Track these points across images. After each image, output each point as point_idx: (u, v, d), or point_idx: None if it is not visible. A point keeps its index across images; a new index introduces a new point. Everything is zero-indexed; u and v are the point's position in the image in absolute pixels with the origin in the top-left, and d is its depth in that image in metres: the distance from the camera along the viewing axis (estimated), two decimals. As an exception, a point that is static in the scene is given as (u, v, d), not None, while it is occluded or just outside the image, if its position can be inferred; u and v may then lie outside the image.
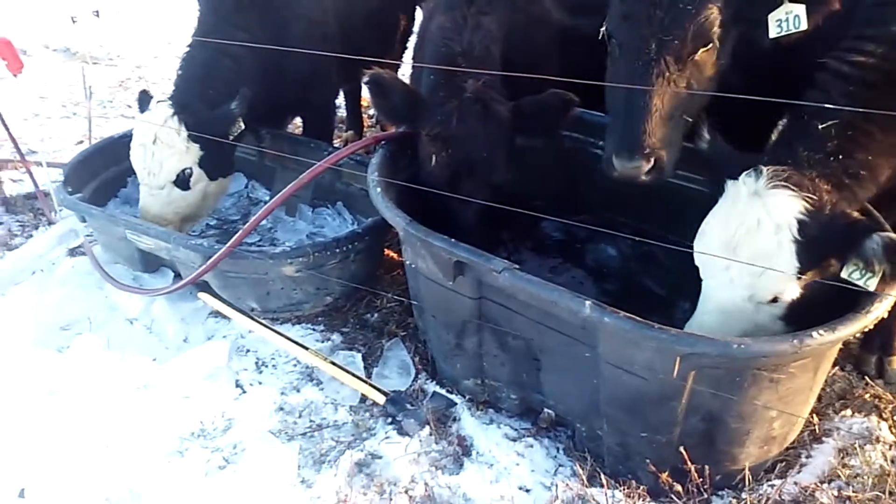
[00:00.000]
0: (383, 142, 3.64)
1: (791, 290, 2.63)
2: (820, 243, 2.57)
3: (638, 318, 2.55)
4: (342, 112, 6.35)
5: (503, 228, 3.78)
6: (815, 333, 2.46)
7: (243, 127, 4.06)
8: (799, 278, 2.59)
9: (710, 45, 2.77)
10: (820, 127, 2.70)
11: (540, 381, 3.18)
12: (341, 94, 5.88)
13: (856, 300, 2.62)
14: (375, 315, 4.02)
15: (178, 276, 4.07)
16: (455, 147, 3.20)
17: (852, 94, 2.70)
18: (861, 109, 2.55)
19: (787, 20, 2.70)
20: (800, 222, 2.55)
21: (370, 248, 3.92)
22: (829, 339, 2.48)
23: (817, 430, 3.24)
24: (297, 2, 4.42)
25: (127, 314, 3.97)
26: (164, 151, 3.94)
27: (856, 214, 2.63)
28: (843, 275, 2.55)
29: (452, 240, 2.94)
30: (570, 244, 4.10)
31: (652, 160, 2.74)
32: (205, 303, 3.92)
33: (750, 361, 2.53)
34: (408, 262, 3.32)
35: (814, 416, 3.31)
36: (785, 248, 2.56)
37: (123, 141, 4.23)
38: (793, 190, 2.57)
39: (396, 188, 3.40)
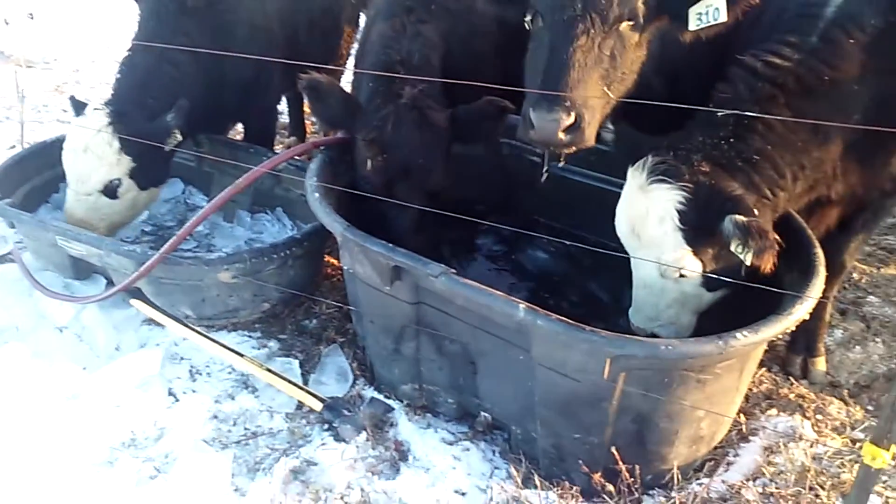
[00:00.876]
0: (322, 147, 3.64)
1: (692, 265, 2.79)
2: (701, 221, 2.72)
3: (570, 321, 2.60)
4: (285, 118, 6.32)
5: (443, 234, 3.80)
6: (738, 335, 2.55)
7: (180, 138, 4.02)
8: (696, 253, 2.77)
9: (634, 21, 2.82)
10: (719, 114, 2.85)
11: (476, 384, 3.21)
12: (284, 100, 5.85)
13: (781, 302, 2.73)
14: (314, 321, 4.00)
15: (110, 282, 3.98)
16: (390, 152, 3.23)
17: (759, 89, 2.85)
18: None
19: (707, 13, 2.80)
20: (679, 211, 2.72)
21: (309, 254, 3.89)
22: (753, 340, 2.57)
23: (744, 430, 3.33)
24: (241, 7, 4.39)
25: (57, 322, 3.87)
26: (93, 161, 3.89)
27: (734, 192, 2.75)
28: (731, 247, 2.67)
29: (390, 245, 2.96)
30: (512, 250, 4.16)
31: (572, 115, 2.67)
32: (138, 310, 3.84)
33: (677, 362, 2.61)
34: (346, 268, 3.32)
35: (741, 415, 3.41)
36: (669, 234, 2.77)
37: (56, 146, 4.14)
38: (670, 182, 2.74)
39: (335, 193, 3.40)
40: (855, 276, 4.53)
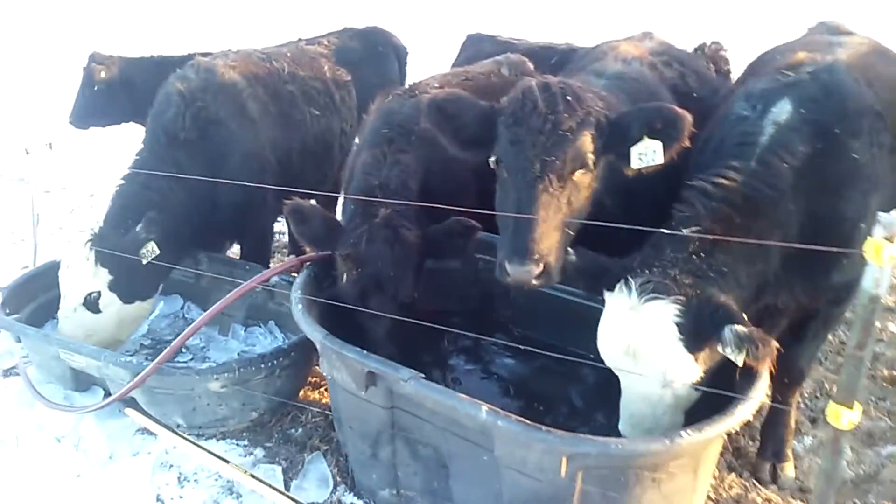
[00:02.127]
0: (308, 263, 3.93)
1: (694, 372, 2.93)
2: (698, 330, 2.89)
3: (527, 421, 2.79)
4: (286, 237, 6.66)
5: (423, 343, 4.01)
6: (683, 433, 2.73)
7: (157, 251, 4.25)
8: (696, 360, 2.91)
9: (586, 168, 3.16)
10: (685, 231, 3.09)
11: (450, 488, 3.34)
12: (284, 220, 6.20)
13: (731, 402, 2.91)
14: (300, 430, 4.17)
15: (108, 394, 4.19)
16: (363, 266, 3.51)
17: (714, 208, 3.12)
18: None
19: (647, 154, 3.13)
20: (677, 324, 2.88)
21: (296, 364, 4.11)
22: (698, 439, 2.74)
23: (711, 531, 3.44)
24: (234, 138, 4.76)
25: (55, 432, 4.06)
26: (73, 275, 4.21)
27: (721, 300, 2.95)
28: (726, 353, 2.82)
29: (364, 351, 3.19)
30: (491, 359, 4.35)
31: (541, 265, 3.02)
32: (132, 420, 4.03)
33: (628, 460, 2.77)
34: (326, 375, 3.53)
35: (708, 516, 3.53)
36: (673, 347, 2.88)
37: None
38: (663, 297, 2.91)
39: (319, 306, 3.66)
40: (826, 385, 4.68)
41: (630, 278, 2.98)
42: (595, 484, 2.84)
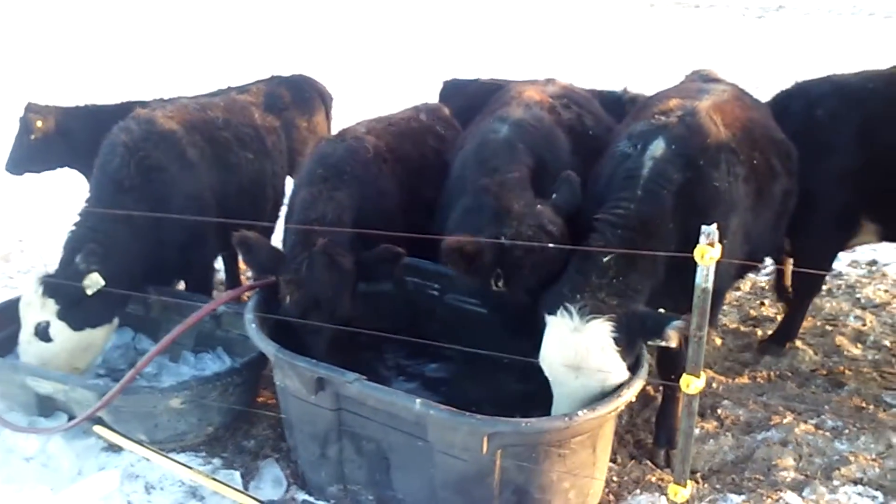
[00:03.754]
0: (256, 289, 4.45)
1: (625, 374, 3.61)
2: (629, 340, 3.57)
3: (453, 409, 3.38)
4: (222, 275, 7.07)
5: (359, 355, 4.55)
6: (580, 413, 3.37)
7: (102, 282, 4.60)
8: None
9: None
10: (603, 259, 3.75)
11: (391, 478, 3.88)
12: (220, 259, 6.63)
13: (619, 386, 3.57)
14: (252, 441, 4.64)
15: (71, 417, 4.56)
16: (304, 289, 4.07)
17: (621, 235, 3.81)
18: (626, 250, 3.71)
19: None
20: (613, 338, 3.53)
21: (247, 383, 4.60)
22: (592, 416, 3.39)
23: (614, 508, 4.09)
24: (175, 182, 5.17)
25: (24, 454, 4.40)
26: (25, 308, 4.63)
27: (642, 311, 3.66)
28: (663, 343, 3.53)
29: (313, 360, 3.73)
30: (421, 371, 4.90)
31: None
32: (98, 437, 4.42)
33: (537, 437, 3.39)
34: (278, 384, 4.05)
35: (612, 496, 4.18)
36: (612, 357, 3.54)
37: (17, 303, 4.79)
38: (599, 317, 3.55)
39: (269, 325, 4.18)
40: (714, 385, 5.40)
41: (567, 303, 3.60)
42: (511, 460, 3.45)
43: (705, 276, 2.81)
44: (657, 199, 3.91)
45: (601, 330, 3.53)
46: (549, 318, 3.66)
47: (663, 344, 3.52)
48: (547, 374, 3.72)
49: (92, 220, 4.88)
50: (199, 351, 5.26)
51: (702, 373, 3.01)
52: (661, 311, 3.66)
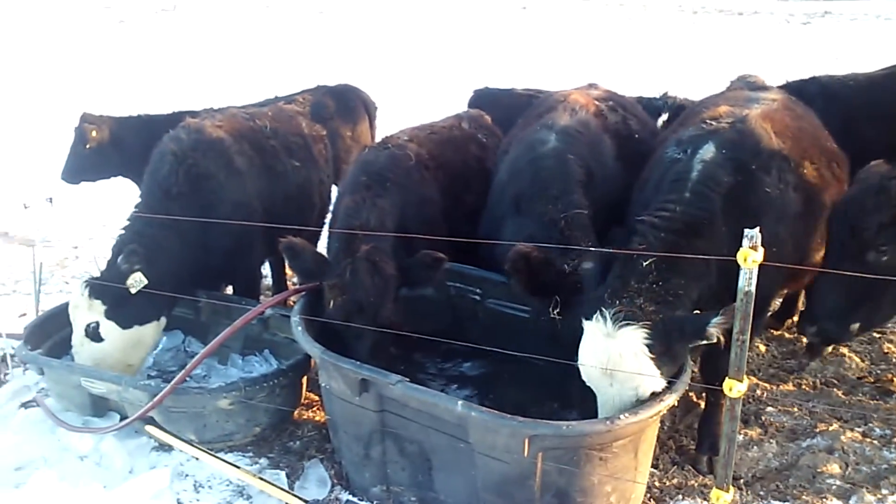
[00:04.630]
0: (302, 293, 4.55)
1: (660, 384, 3.58)
2: (665, 347, 3.54)
3: (495, 411, 3.42)
4: (269, 280, 7.22)
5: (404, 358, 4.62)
6: (621, 416, 3.39)
7: (145, 281, 4.74)
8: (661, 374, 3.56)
9: None
10: (644, 264, 3.74)
11: (433, 478, 3.93)
12: (267, 264, 6.78)
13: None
14: (297, 442, 4.74)
15: (123, 417, 4.71)
16: (348, 294, 4.16)
17: (663, 238, 3.80)
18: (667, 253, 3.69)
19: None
20: (647, 345, 3.51)
21: (293, 384, 4.71)
22: (634, 420, 3.40)
23: (657, 513, 4.09)
24: (223, 189, 5.31)
25: (79, 452, 4.56)
26: (74, 311, 4.80)
27: (679, 314, 3.65)
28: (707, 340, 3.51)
29: (358, 362, 3.81)
30: (463, 373, 4.94)
31: None
32: (149, 437, 4.57)
33: (578, 440, 3.41)
34: (323, 385, 4.14)
35: (653, 501, 4.17)
36: (645, 364, 3.51)
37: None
38: (633, 324, 3.54)
39: (315, 327, 4.27)
40: (758, 392, 5.36)
41: (604, 308, 3.60)
42: (553, 463, 3.47)
43: (748, 279, 2.81)
44: (705, 202, 3.90)
45: (634, 336, 3.52)
46: (586, 324, 3.67)
47: (707, 343, 3.50)
48: (585, 379, 3.74)
49: (138, 225, 5.06)
50: (247, 354, 5.39)
51: (745, 377, 3.00)
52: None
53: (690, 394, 5.04)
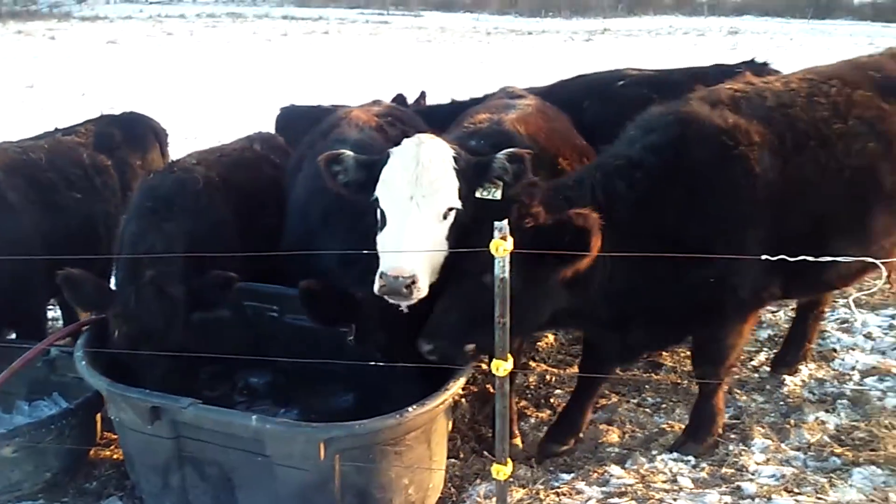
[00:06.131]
0: (85, 327, 4.39)
1: (456, 202, 3.76)
2: (468, 173, 3.81)
3: (288, 421, 3.50)
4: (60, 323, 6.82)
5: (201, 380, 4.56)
6: (409, 409, 3.57)
7: None
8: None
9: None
10: None
11: (235, 498, 3.91)
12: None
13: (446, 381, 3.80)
14: (94, 483, 4.54)
15: None
16: (131, 322, 4.09)
17: None
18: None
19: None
20: (454, 157, 3.80)
21: (84, 423, 4.50)
22: (422, 411, 3.59)
23: (455, 499, 4.31)
24: None
25: None
26: None
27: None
28: (477, 194, 3.78)
29: (146, 390, 3.74)
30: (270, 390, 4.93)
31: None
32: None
33: (371, 437, 3.56)
34: (114, 418, 4.01)
35: (454, 489, 4.40)
36: (449, 171, 3.75)
37: None
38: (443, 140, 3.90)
39: (103, 364, 4.12)
40: (547, 377, 5.78)
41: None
42: (350, 463, 3.59)
43: (502, 267, 3.09)
44: None
45: (444, 146, 3.82)
46: (392, 151, 3.91)
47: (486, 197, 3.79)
48: (382, 195, 3.82)
49: None
50: (34, 399, 5.08)
51: (509, 356, 3.29)
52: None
53: (487, 385, 5.36)
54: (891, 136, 4.20)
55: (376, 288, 3.61)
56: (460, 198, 3.80)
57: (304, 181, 5.11)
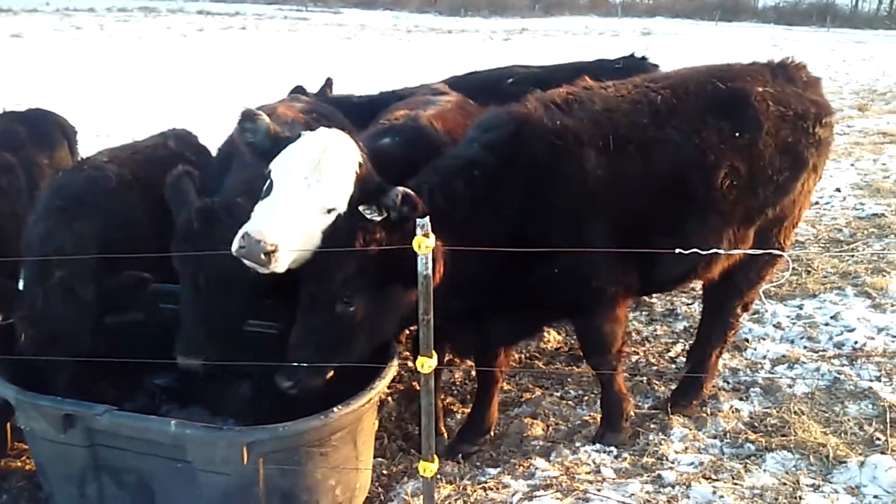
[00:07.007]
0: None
1: (342, 205, 3.73)
2: (365, 186, 3.77)
3: (209, 425, 3.42)
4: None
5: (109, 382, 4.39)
6: (334, 410, 3.53)
7: None
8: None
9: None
10: None
11: (157, 506, 3.82)
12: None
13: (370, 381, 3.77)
14: (4, 496, 4.33)
15: None
16: (37, 326, 3.92)
17: None
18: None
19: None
20: (359, 164, 3.79)
21: (-10, 437, 4.29)
22: (346, 412, 3.56)
23: (383, 498, 4.30)
24: None
25: None
26: None
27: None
28: (360, 208, 3.72)
29: (57, 397, 3.59)
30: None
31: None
32: None
33: (296, 439, 3.51)
34: (24, 428, 3.83)
35: (381, 488, 4.39)
36: (350, 175, 3.74)
37: None
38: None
39: (11, 371, 3.93)
40: (473, 373, 5.81)
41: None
42: (274, 466, 3.53)
43: (425, 264, 3.09)
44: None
45: (353, 146, 3.82)
46: (300, 140, 3.88)
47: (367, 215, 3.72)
48: (277, 168, 3.77)
49: None
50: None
51: (433, 353, 3.29)
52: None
53: (413, 383, 5.37)
54: (704, 148, 4.36)
55: (234, 247, 3.50)
56: (347, 204, 3.77)
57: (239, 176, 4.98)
